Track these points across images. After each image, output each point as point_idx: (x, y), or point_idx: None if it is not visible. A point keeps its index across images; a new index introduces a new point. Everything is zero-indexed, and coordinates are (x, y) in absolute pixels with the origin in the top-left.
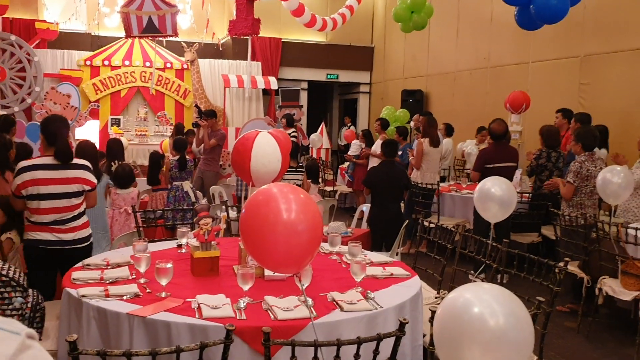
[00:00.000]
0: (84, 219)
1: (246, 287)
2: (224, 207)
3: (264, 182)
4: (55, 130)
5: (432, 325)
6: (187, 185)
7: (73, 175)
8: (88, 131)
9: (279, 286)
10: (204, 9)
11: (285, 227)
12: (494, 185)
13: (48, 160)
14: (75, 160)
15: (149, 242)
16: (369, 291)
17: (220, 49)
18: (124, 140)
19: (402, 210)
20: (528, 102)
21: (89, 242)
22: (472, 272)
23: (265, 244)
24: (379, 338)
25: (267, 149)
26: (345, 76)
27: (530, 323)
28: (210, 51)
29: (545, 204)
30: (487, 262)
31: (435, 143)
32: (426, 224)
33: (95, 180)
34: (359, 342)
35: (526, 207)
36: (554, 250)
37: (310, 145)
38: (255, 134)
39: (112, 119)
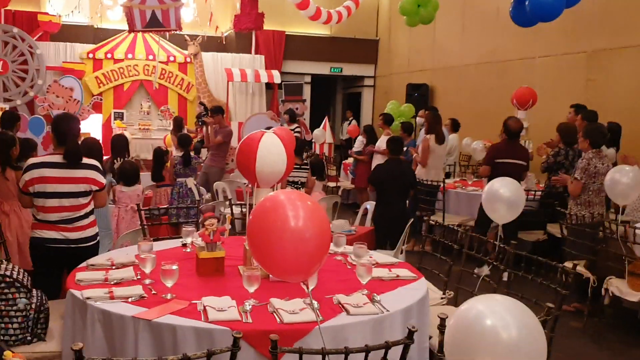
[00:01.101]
0: (91, 218)
1: (252, 290)
2: (227, 203)
3: (269, 183)
4: (65, 130)
5: (439, 330)
6: (190, 182)
7: (81, 174)
8: (91, 125)
9: (284, 288)
10: (207, 2)
11: (293, 234)
12: (502, 186)
13: (57, 158)
14: (85, 160)
15: (153, 240)
16: (375, 294)
17: (224, 42)
18: (127, 134)
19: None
20: (535, 98)
21: (95, 241)
22: (477, 268)
23: (273, 251)
24: (387, 346)
25: (272, 150)
26: (349, 69)
27: (542, 335)
28: (214, 44)
29: (553, 202)
30: (490, 260)
31: (440, 139)
32: (431, 222)
33: (104, 181)
34: (367, 350)
35: (535, 205)
36: (559, 248)
37: (313, 141)
38: (260, 135)
39: (115, 112)
